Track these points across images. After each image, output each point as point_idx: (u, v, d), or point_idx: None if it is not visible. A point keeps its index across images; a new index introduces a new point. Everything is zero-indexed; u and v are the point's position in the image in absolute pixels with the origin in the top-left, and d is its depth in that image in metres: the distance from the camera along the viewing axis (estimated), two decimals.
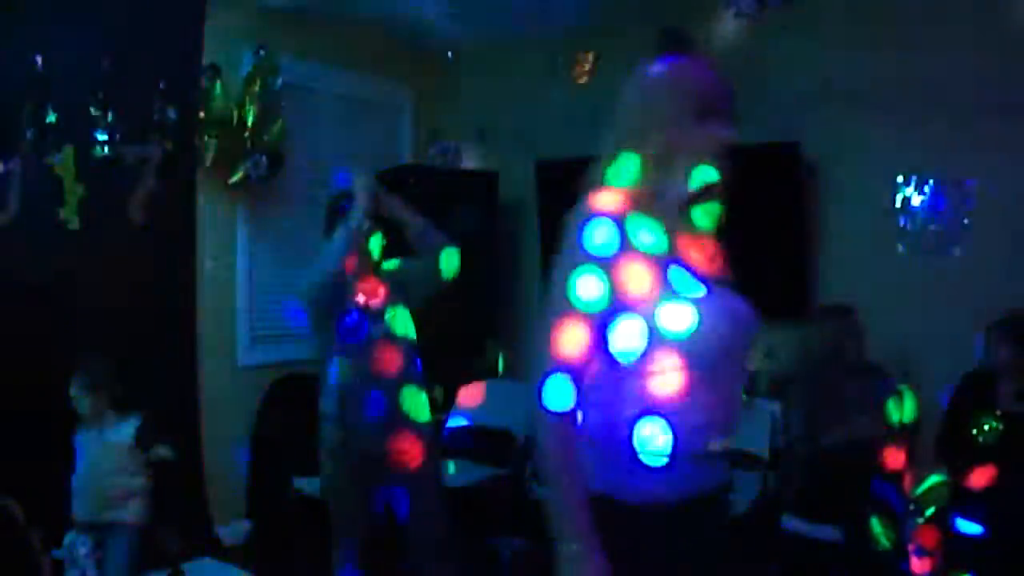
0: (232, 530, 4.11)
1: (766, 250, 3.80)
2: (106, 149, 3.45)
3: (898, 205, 3.82)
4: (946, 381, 3.39)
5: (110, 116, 3.44)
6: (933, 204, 3.76)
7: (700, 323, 1.39)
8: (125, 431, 2.93)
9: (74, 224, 3.42)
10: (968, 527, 3.07)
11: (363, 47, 4.75)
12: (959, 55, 3.51)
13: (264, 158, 4.04)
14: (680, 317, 1.40)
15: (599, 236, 1.40)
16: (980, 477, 3.10)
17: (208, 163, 3.95)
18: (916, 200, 3.79)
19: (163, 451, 2.96)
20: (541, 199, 4.78)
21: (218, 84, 3.90)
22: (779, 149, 3.88)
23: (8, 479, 2.92)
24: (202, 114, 3.86)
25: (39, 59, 3.23)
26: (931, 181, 3.74)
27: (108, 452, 2.92)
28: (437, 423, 3.23)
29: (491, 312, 4.95)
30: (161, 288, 3.71)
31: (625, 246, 1.41)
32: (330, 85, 4.67)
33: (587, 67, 4.62)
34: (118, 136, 3.47)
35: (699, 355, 1.40)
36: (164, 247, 3.74)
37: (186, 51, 3.79)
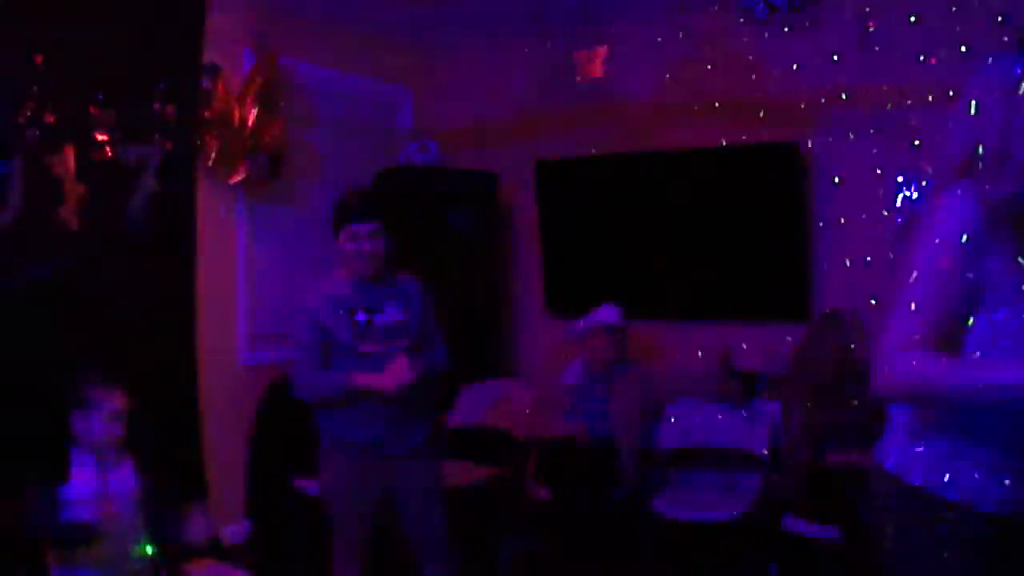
0: (232, 530, 4.11)
1: (765, 250, 3.79)
2: (106, 149, 3.44)
3: (898, 205, 3.82)
4: None
5: (110, 116, 3.44)
6: None
7: None
8: (126, 478, 2.31)
9: (74, 224, 3.42)
10: None
11: (362, 47, 4.75)
12: (958, 54, 3.50)
13: (264, 158, 4.04)
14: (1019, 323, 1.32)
15: (962, 222, 1.32)
16: None
17: (208, 163, 3.95)
18: (916, 200, 3.79)
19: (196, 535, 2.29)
20: (541, 199, 4.78)
21: (218, 84, 3.90)
22: (779, 149, 3.88)
23: None
24: (202, 114, 3.86)
25: (39, 59, 3.23)
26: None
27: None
28: (437, 423, 3.22)
29: (491, 312, 4.95)
30: (161, 288, 3.71)
31: (985, 240, 1.32)
32: (330, 85, 4.67)
33: (588, 65, 4.62)
34: (118, 136, 3.47)
35: None
36: (164, 247, 3.74)
37: (186, 51, 3.79)
